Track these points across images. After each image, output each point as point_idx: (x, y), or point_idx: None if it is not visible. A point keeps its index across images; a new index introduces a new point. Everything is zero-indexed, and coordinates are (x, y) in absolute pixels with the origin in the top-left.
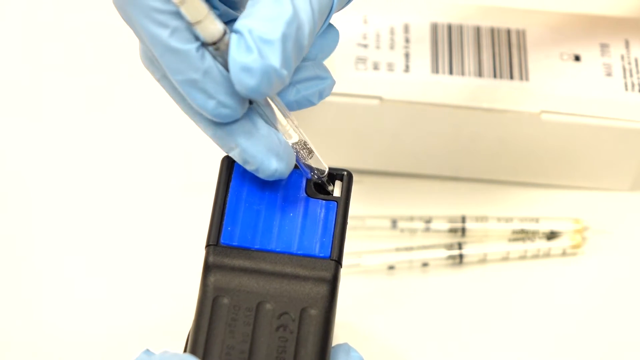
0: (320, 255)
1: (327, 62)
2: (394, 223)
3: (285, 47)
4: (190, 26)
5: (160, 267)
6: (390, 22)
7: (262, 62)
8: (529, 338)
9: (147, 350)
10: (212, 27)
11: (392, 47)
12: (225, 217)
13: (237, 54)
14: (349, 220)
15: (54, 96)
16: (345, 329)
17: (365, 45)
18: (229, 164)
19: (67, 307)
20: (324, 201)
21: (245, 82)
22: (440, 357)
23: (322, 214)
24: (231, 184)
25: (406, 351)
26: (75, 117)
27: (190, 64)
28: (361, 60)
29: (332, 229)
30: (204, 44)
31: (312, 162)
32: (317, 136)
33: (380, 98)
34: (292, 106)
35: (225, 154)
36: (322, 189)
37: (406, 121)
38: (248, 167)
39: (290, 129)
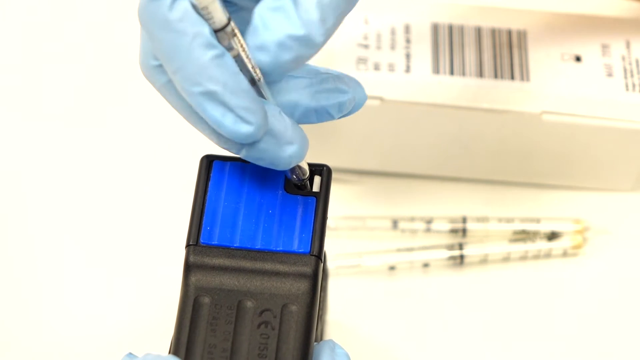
0: (300, 251)
1: (328, 62)
2: (394, 223)
3: (300, 8)
4: (200, 13)
5: (148, 267)
6: (391, 22)
7: (271, 33)
8: (530, 338)
9: (130, 354)
10: (218, 12)
11: (393, 47)
12: (204, 217)
13: (249, 38)
14: (349, 221)
15: (52, 95)
16: (345, 329)
17: (366, 46)
18: (207, 164)
19: (51, 308)
20: (302, 197)
21: (261, 60)
22: (441, 357)
23: (301, 210)
24: (210, 183)
25: (407, 352)
26: (73, 115)
27: (210, 73)
28: (362, 60)
29: (312, 225)
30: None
31: None
32: (317, 137)
33: (381, 98)
34: (312, 117)
35: (205, 154)
36: (300, 186)
37: (407, 122)
38: (261, 164)
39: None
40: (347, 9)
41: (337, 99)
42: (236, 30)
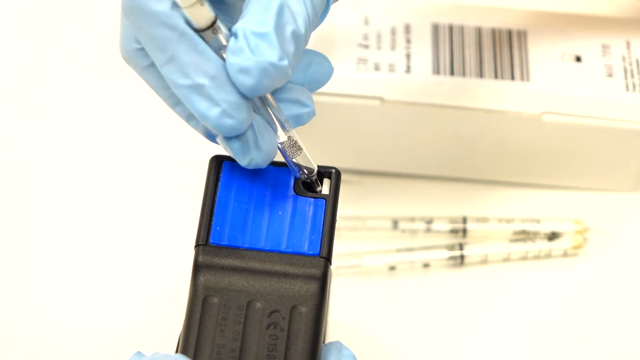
0: (310, 252)
1: None
2: (395, 224)
3: (280, 38)
4: (182, 11)
5: (155, 266)
6: (391, 22)
7: (256, 59)
8: (530, 339)
9: (139, 353)
10: (203, 11)
11: (393, 47)
12: (214, 217)
13: (231, 56)
14: (349, 221)
15: (52, 96)
16: (345, 329)
17: (366, 46)
18: (217, 164)
19: (60, 307)
20: (312, 199)
21: (243, 82)
22: (441, 357)
23: (311, 212)
24: (220, 184)
25: (407, 352)
26: (73, 115)
27: (199, 67)
28: (362, 60)
29: (321, 227)
30: (197, 30)
31: (300, 161)
32: (318, 137)
33: (381, 99)
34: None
35: (214, 155)
36: (310, 188)
37: (407, 122)
38: (227, 152)
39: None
40: (309, 37)
41: (296, 111)
42: (221, 36)
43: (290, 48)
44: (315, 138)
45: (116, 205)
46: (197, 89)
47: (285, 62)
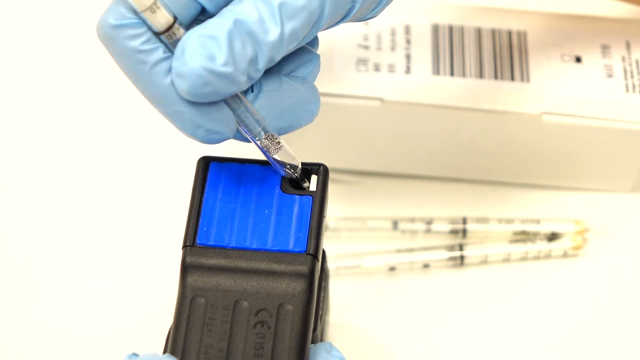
0: (296, 250)
1: (327, 64)
2: (395, 224)
3: (232, 45)
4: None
5: (146, 269)
6: (391, 23)
7: (191, 64)
8: (530, 339)
9: (134, 354)
10: (160, 14)
11: (393, 48)
12: (201, 218)
13: (174, 60)
14: (349, 222)
15: (53, 96)
16: (345, 330)
17: (366, 47)
18: (204, 165)
19: (51, 307)
20: (298, 196)
21: (180, 87)
22: (441, 358)
23: (297, 209)
24: (207, 184)
25: (407, 352)
26: (70, 115)
27: (173, 96)
28: (362, 61)
29: (308, 224)
30: (156, 34)
31: (282, 157)
32: (318, 137)
33: (381, 99)
34: None
35: (202, 156)
36: (298, 185)
37: (407, 122)
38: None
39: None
40: (277, 56)
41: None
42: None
43: (242, 56)
44: (315, 138)
45: (104, 206)
46: (177, 115)
47: (229, 69)
